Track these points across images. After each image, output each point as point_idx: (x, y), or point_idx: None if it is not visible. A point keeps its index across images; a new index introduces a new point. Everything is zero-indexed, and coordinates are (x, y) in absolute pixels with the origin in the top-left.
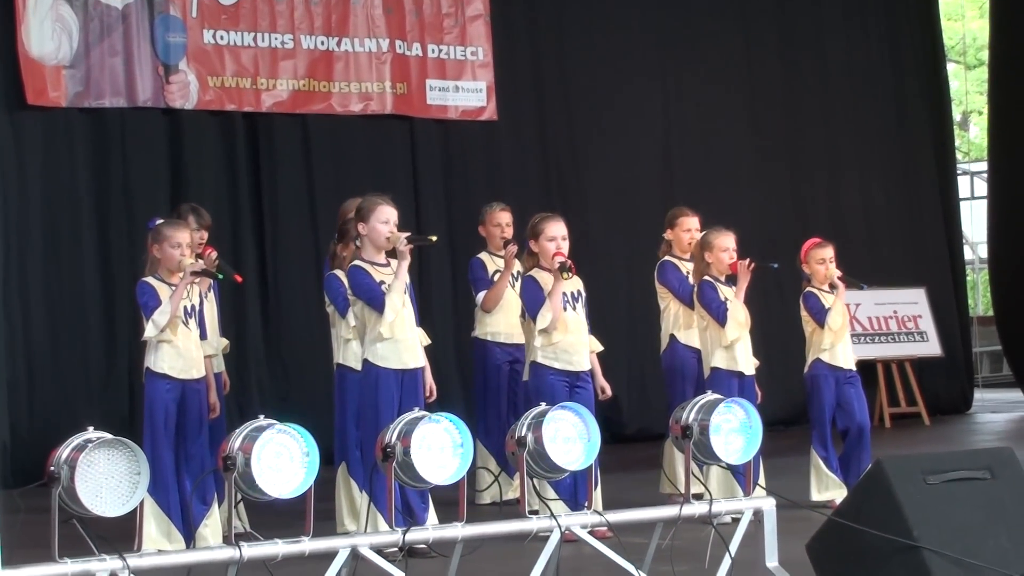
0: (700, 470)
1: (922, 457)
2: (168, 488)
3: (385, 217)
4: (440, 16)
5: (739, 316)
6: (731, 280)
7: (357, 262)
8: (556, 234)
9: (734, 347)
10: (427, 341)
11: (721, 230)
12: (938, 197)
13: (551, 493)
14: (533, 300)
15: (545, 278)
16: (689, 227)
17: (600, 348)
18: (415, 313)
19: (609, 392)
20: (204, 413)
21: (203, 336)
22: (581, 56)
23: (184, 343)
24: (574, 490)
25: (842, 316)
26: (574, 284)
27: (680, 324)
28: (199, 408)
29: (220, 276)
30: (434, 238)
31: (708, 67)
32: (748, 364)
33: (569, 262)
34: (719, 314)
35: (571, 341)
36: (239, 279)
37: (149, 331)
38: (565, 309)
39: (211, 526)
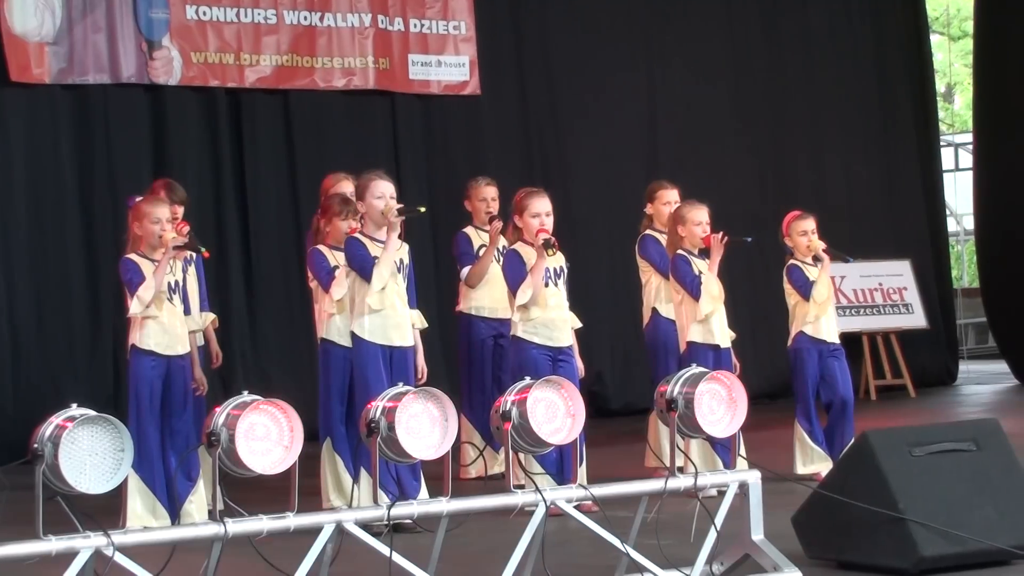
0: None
1: (907, 429)
2: (153, 464)
3: (380, 192)
4: None
5: (713, 289)
6: (704, 253)
7: (356, 234)
8: (540, 210)
9: (709, 320)
10: (423, 325)
11: (694, 203)
12: (921, 169)
13: (536, 467)
14: (515, 274)
15: (528, 253)
16: (668, 200)
17: (578, 325)
18: (414, 296)
19: (582, 372)
20: (189, 389)
21: (187, 312)
22: (564, 29)
23: (169, 319)
24: (560, 464)
25: (827, 289)
26: (556, 260)
27: (662, 298)
28: (184, 384)
29: (202, 249)
30: (423, 208)
31: (691, 41)
32: (724, 337)
33: (553, 239)
34: (693, 288)
35: (551, 317)
36: (206, 254)
37: (134, 308)
38: (547, 285)
39: (196, 502)
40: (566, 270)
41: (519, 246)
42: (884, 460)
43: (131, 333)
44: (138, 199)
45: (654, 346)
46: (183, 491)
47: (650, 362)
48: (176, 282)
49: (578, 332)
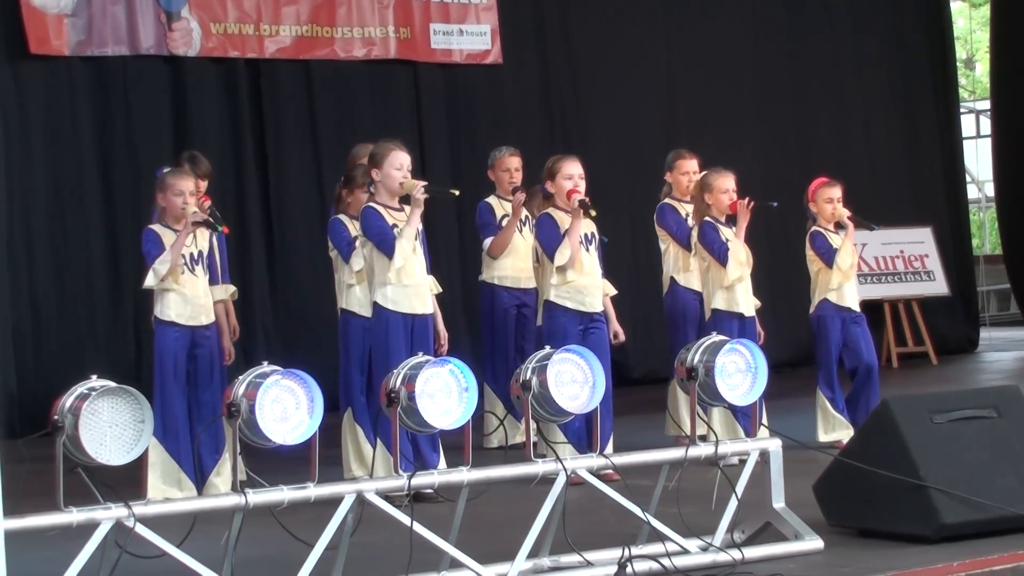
0: (703, 412)
1: (928, 396)
2: (179, 436)
3: (399, 163)
4: None
5: (740, 256)
6: (731, 220)
7: (371, 204)
8: (573, 172)
9: (734, 288)
10: (438, 290)
11: (720, 171)
12: (941, 136)
13: (559, 436)
14: (551, 238)
15: (561, 217)
16: (687, 170)
17: (614, 291)
18: (427, 261)
19: (622, 337)
20: (216, 359)
21: (214, 281)
22: None
23: (191, 290)
24: (582, 434)
25: (851, 256)
26: (587, 226)
27: (680, 267)
28: (210, 355)
29: (219, 228)
30: (456, 192)
31: (711, 7)
32: (748, 305)
33: (587, 199)
34: (720, 254)
35: (585, 283)
36: (226, 231)
37: (149, 280)
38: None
39: (223, 474)
40: (596, 237)
41: (551, 211)
42: (905, 427)
43: (154, 305)
44: (165, 170)
45: (672, 315)
46: (209, 463)
47: (668, 331)
48: (200, 252)
49: None
